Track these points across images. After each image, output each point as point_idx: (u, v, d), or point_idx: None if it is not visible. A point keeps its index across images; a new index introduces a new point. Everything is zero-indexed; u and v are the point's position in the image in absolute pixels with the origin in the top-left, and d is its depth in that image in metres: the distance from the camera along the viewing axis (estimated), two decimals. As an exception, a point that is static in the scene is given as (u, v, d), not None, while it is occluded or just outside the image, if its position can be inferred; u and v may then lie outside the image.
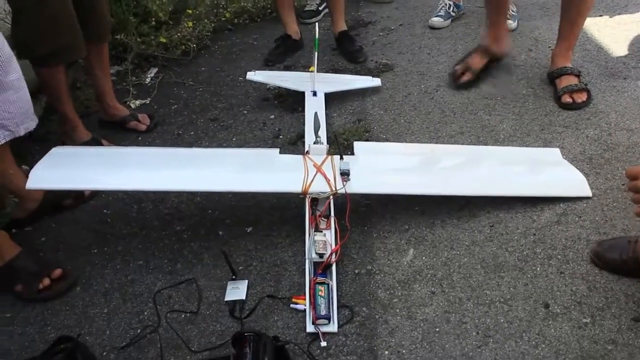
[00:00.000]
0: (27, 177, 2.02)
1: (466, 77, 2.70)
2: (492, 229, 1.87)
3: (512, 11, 3.31)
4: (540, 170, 2.07)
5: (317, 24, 2.74)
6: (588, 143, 2.22)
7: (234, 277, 1.77)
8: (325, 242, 1.72)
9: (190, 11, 3.44)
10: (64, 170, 1.86)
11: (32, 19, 2.12)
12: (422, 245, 1.84)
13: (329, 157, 1.95)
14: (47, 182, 1.81)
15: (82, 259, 1.94)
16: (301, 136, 2.38)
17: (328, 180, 1.84)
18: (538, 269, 1.71)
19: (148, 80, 3.17)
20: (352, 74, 2.91)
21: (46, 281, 1.80)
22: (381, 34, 3.39)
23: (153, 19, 3.36)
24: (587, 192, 1.96)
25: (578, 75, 2.55)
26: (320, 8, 3.70)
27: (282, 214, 2.00)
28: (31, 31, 2.14)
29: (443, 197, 1.95)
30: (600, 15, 3.29)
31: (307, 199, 1.83)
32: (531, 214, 1.91)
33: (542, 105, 2.51)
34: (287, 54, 3.22)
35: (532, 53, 2.96)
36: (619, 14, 3.31)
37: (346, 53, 3.14)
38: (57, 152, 1.94)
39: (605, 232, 1.81)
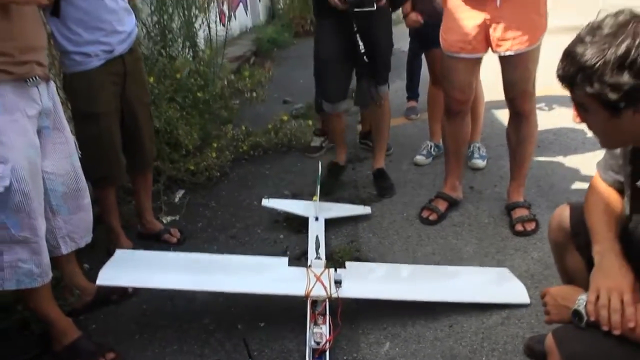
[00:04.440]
0: (85, 275, 2.61)
1: (432, 217, 3.26)
2: (451, 328, 2.39)
3: (482, 152, 3.98)
4: (491, 282, 2.62)
5: (320, 161, 3.38)
6: (532, 263, 2.78)
7: (250, 360, 2.29)
8: (321, 333, 2.24)
9: (215, 144, 4.13)
10: (124, 271, 2.44)
11: (88, 150, 2.64)
12: (396, 339, 2.36)
13: (326, 269, 2.51)
14: (113, 280, 2.38)
15: (126, 343, 2.45)
16: (305, 253, 2.91)
17: (325, 287, 2.39)
18: (484, 359, 2.22)
19: (177, 199, 3.79)
20: (348, 202, 3.52)
21: None
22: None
23: (183, 149, 4.04)
24: (526, 300, 2.50)
25: (529, 208, 3.16)
26: (323, 144, 4.39)
27: (289, 312, 2.51)
28: (87, 159, 2.65)
29: (414, 302, 2.48)
30: (555, 156, 3.96)
31: (308, 301, 2.37)
32: (482, 317, 2.43)
33: (500, 232, 3.10)
34: (337, 177, 3.84)
35: (496, 188, 3.58)
36: (571, 154, 3.98)
37: (378, 188, 3.71)
38: (120, 254, 2.55)
39: (538, 331, 2.31)
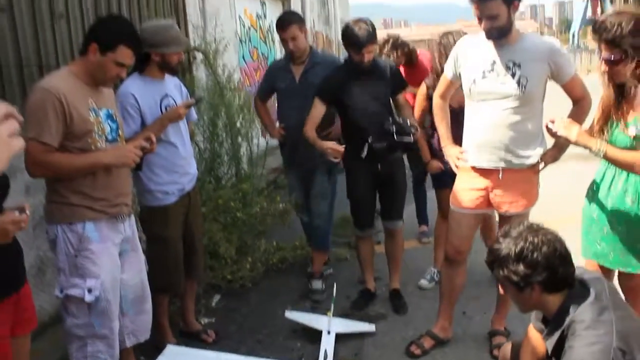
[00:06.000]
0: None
1: (417, 352, 3.72)
2: None
3: (478, 282, 4.60)
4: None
5: (335, 283, 4.06)
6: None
7: None
8: None
9: (249, 258, 4.84)
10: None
11: (157, 265, 3.38)
12: None
13: (330, 377, 3.15)
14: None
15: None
16: (316, 360, 3.55)
17: (326, 391, 3.02)
18: None
19: (214, 303, 4.47)
20: (357, 320, 4.13)
21: None
22: (384, 289, 4.61)
23: (222, 259, 4.74)
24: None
25: (507, 336, 3.74)
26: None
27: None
28: (155, 272, 3.37)
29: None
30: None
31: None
32: None
33: (480, 354, 3.67)
34: (367, 303, 4.40)
35: (485, 315, 4.09)
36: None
37: (394, 306, 4.34)
38: (170, 349, 3.25)
39: None
